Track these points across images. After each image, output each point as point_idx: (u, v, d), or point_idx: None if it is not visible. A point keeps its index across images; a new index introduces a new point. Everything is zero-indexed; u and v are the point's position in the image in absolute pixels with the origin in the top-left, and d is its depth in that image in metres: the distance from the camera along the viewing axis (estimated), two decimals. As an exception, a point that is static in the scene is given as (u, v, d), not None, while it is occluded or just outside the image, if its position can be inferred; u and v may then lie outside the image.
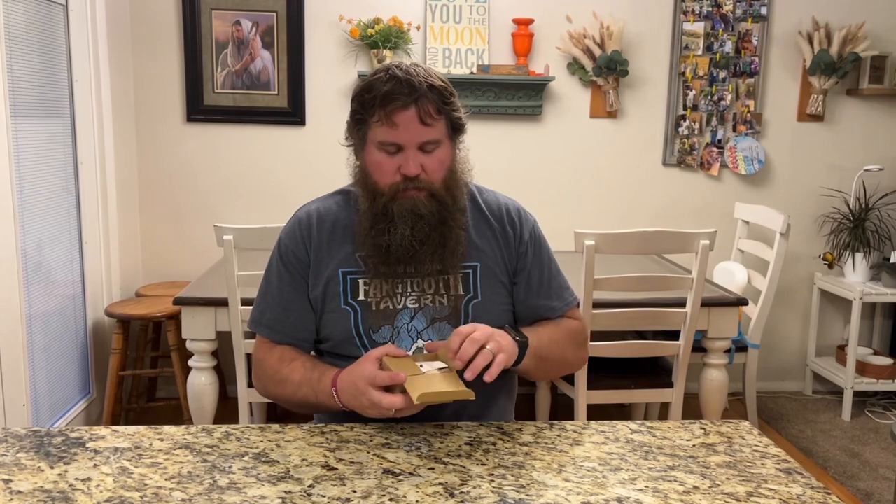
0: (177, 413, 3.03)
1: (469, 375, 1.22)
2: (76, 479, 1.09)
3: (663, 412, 2.98)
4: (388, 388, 1.24)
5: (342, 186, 1.51)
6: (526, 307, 1.48)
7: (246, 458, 1.16)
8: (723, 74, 3.55)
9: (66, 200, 2.94)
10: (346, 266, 1.41)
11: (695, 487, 1.11)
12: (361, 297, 1.40)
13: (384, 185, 1.35)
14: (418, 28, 3.39)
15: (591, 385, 2.52)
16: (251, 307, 2.30)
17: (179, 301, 2.43)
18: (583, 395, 2.52)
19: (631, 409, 3.22)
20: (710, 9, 3.50)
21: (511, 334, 1.32)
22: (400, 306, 1.39)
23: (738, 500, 1.07)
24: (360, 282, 1.40)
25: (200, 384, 2.49)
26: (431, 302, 1.40)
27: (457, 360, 1.22)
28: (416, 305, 1.39)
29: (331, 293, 1.41)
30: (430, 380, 1.22)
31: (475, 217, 1.46)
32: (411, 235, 1.34)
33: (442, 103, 1.34)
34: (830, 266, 3.62)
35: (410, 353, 1.37)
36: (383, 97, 1.31)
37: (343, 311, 1.39)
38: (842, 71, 3.46)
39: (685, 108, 3.56)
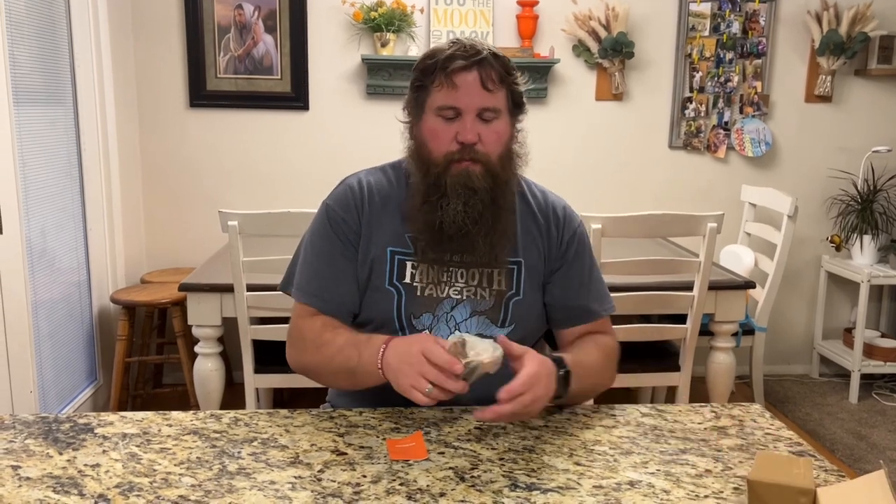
0: (183, 399, 3.03)
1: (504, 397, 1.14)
2: (85, 464, 1.08)
3: (670, 396, 2.98)
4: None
5: (392, 161, 1.46)
6: (562, 309, 1.42)
7: (255, 444, 1.16)
8: (730, 56, 3.51)
9: (70, 187, 2.93)
10: (394, 245, 1.37)
11: (707, 470, 1.10)
12: (407, 279, 1.36)
13: (439, 154, 1.31)
14: (422, 11, 3.36)
15: (598, 369, 2.51)
16: (259, 293, 2.33)
17: (185, 287, 2.42)
18: (590, 379, 2.51)
19: (637, 393, 3.22)
20: (716, -11, 3.46)
21: (557, 372, 1.23)
22: (443, 295, 1.35)
23: (750, 482, 1.06)
24: (408, 264, 1.36)
25: (207, 370, 2.49)
26: (474, 294, 1.36)
27: (504, 393, 1.14)
28: (459, 296, 1.36)
29: (376, 271, 1.36)
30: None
31: (522, 212, 1.41)
32: (464, 212, 1.29)
33: (504, 72, 1.31)
34: (838, 248, 3.60)
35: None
36: (445, 59, 1.28)
37: (387, 291, 1.35)
38: (850, 51, 3.42)
39: (691, 90, 3.53)
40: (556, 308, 1.43)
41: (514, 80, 1.33)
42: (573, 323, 1.43)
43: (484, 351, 1.15)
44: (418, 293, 1.35)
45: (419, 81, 1.33)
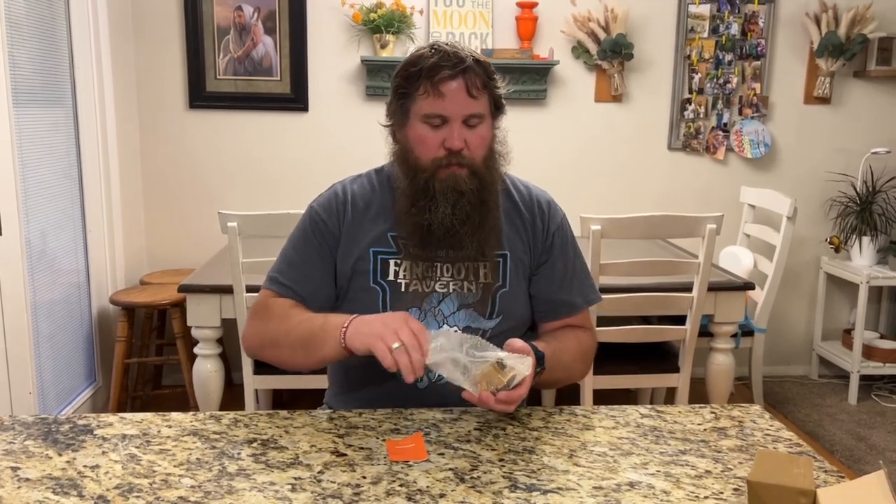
0: (182, 400, 3.03)
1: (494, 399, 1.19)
2: (84, 466, 1.08)
3: (669, 397, 2.98)
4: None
5: (375, 166, 1.49)
6: (545, 302, 1.45)
7: (255, 445, 1.16)
8: (729, 57, 3.51)
9: (70, 188, 2.93)
10: (377, 245, 1.39)
11: (707, 471, 1.10)
12: (391, 276, 1.38)
13: (426, 160, 1.34)
14: (421, 12, 3.36)
15: (597, 370, 2.51)
16: (256, 294, 2.33)
17: (184, 288, 2.42)
18: (589, 381, 2.52)
19: (637, 394, 3.22)
20: (715, -9, 3.46)
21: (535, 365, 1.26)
22: (429, 289, 1.38)
23: (750, 483, 1.06)
24: (391, 262, 1.38)
25: (206, 371, 2.49)
26: (461, 288, 1.38)
27: (503, 395, 1.18)
28: (445, 290, 1.38)
29: (359, 271, 1.39)
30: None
31: (507, 206, 1.44)
32: (452, 214, 1.32)
33: (487, 78, 1.34)
34: (837, 250, 3.60)
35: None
36: (430, 68, 1.30)
37: (371, 289, 1.37)
38: (849, 53, 3.42)
39: (691, 91, 3.53)
40: (540, 301, 1.46)
41: (496, 84, 1.36)
42: (555, 316, 1.46)
43: (519, 365, 1.19)
44: (403, 289, 1.37)
45: (403, 88, 1.35)
